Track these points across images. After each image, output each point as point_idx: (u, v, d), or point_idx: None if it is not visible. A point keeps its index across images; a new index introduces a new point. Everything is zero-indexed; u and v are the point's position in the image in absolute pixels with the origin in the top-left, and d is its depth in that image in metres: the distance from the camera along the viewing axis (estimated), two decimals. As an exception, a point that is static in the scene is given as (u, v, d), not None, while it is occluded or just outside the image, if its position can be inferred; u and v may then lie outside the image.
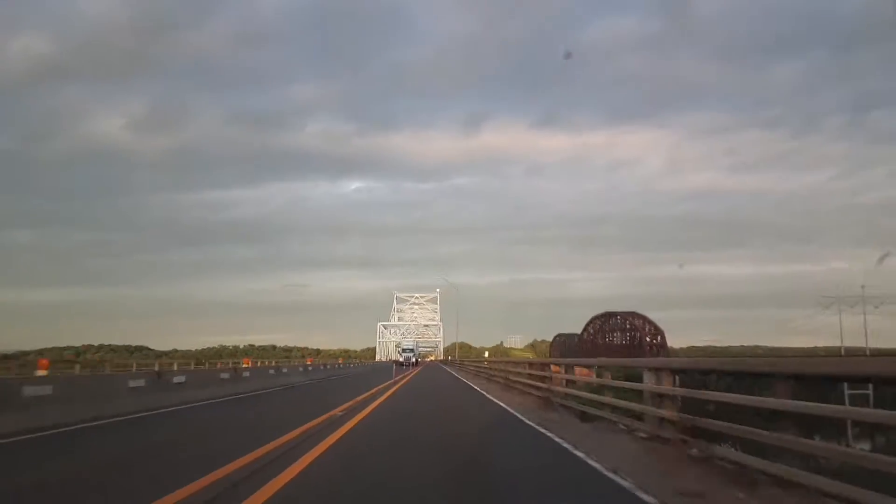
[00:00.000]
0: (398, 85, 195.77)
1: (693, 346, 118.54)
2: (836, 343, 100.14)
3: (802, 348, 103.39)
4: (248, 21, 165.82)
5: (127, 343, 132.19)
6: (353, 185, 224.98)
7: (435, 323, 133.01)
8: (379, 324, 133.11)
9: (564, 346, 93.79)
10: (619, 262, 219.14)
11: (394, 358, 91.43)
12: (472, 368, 37.62)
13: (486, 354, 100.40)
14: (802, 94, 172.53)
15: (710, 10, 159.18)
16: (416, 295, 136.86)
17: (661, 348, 60.97)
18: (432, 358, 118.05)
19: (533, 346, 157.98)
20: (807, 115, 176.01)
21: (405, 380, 28.20)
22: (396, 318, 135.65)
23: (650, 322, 64.25)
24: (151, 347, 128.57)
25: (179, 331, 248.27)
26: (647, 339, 62.02)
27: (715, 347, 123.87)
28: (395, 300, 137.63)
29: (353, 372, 42.42)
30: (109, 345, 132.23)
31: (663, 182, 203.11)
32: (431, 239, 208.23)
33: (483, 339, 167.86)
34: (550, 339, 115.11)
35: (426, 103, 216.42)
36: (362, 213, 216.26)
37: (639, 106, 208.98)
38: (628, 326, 66.72)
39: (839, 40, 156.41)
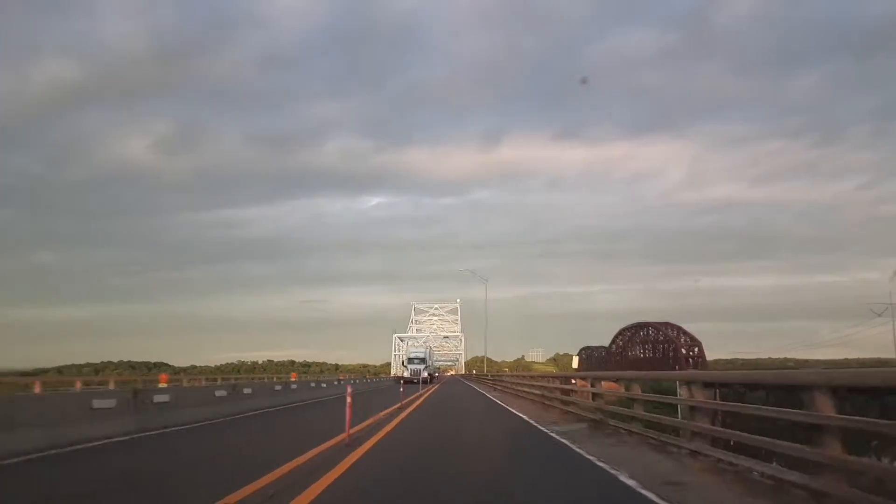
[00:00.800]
0: (417, 102, 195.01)
1: (719, 359, 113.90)
2: (866, 355, 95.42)
3: (833, 360, 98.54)
4: (268, 43, 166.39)
5: (146, 360, 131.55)
6: (372, 202, 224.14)
7: (456, 334, 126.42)
8: (395, 335, 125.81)
9: (591, 359, 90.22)
10: (641, 274, 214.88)
11: (398, 374, 68.63)
12: (534, 393, 20.95)
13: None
14: (826, 103, 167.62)
15: (730, 21, 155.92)
16: (436, 305, 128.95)
17: (699, 360, 57.08)
18: (452, 372, 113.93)
19: (555, 360, 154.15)
20: (831, 125, 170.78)
21: (377, 437, 10.27)
22: (415, 330, 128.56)
23: (685, 333, 60.19)
24: (170, 364, 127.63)
25: (199, 347, 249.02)
26: (683, 352, 58.07)
27: (744, 360, 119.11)
28: (413, 311, 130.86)
29: (296, 400, 21.47)
30: (129, 361, 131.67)
31: (685, 194, 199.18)
32: (451, 254, 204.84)
33: (503, 352, 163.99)
34: (573, 352, 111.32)
35: (445, 119, 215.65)
36: (382, 228, 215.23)
37: (659, 118, 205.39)
38: (661, 338, 62.76)
39: (864, 48, 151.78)
